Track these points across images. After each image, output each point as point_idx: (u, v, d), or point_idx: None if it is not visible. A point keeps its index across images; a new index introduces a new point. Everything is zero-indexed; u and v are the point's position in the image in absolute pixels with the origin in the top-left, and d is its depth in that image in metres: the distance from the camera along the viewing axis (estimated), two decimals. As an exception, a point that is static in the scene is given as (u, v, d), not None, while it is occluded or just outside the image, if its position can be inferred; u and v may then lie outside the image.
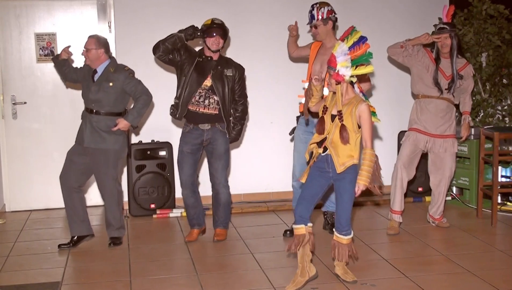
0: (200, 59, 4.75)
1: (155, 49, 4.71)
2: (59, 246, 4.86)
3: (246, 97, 4.94)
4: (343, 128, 3.71)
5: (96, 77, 4.74)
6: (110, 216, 4.89)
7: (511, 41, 5.82)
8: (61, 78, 5.33)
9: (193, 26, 4.74)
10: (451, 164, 5.09)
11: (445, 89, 4.96)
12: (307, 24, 4.85)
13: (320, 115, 3.81)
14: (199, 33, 4.72)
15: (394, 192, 5.09)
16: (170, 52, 4.70)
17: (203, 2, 6.00)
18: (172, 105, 4.83)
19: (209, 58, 4.74)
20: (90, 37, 4.79)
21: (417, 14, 6.36)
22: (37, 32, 5.94)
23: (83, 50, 4.75)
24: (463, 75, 5.01)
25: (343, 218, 3.85)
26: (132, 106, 4.80)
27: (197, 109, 4.74)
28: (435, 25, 4.99)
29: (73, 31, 5.88)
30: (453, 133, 5.07)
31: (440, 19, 6.00)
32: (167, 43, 4.67)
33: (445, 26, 4.95)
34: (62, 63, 4.95)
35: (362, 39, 3.70)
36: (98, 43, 4.73)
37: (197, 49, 4.95)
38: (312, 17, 4.77)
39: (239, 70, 4.86)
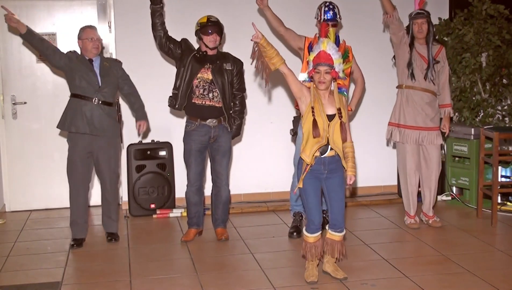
0: (197, 54, 4.75)
1: (154, 37, 4.79)
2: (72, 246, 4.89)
3: (245, 90, 4.95)
4: (342, 125, 3.72)
5: (95, 68, 4.77)
6: (113, 208, 4.95)
7: (511, 41, 5.81)
8: (41, 53, 4.91)
9: None
10: (438, 158, 5.13)
11: (423, 78, 4.96)
12: (324, 20, 4.72)
13: (310, 117, 3.69)
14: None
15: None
16: (165, 34, 4.74)
17: (203, 2, 6.00)
18: (170, 96, 4.81)
19: (206, 52, 4.74)
20: (93, 27, 4.85)
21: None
22: (37, 32, 5.91)
23: (96, 40, 4.76)
24: (440, 60, 5.03)
25: (340, 215, 3.88)
26: (132, 102, 5.00)
27: (203, 102, 4.74)
28: (410, 14, 4.99)
29: (73, 31, 5.83)
30: (437, 126, 5.10)
31: (440, 19, 6.01)
32: (154, 21, 4.74)
33: (421, 11, 4.97)
34: (37, 40, 4.70)
35: (337, 37, 3.85)
36: None
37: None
38: (334, 15, 4.77)
39: (238, 63, 4.87)
